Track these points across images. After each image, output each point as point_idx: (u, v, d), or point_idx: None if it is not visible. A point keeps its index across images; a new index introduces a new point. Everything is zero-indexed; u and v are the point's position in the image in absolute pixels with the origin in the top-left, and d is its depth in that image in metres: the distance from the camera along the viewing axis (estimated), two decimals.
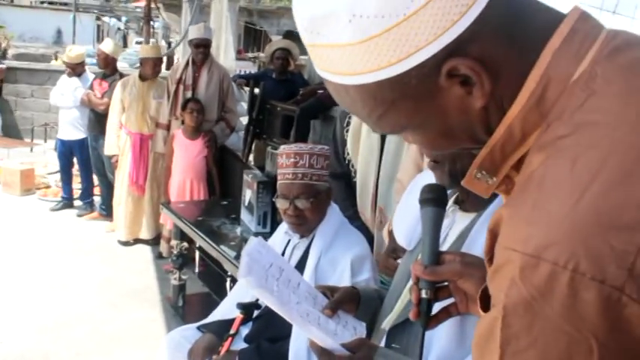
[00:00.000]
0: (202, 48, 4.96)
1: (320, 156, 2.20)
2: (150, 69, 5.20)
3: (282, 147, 2.30)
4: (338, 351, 1.19)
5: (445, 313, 1.09)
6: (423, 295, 1.05)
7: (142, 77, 5.25)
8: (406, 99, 0.66)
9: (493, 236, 0.64)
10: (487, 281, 0.63)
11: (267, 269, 1.41)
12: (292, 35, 20.32)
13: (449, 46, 0.61)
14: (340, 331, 1.33)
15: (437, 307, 1.09)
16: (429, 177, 1.49)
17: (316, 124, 5.45)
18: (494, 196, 1.22)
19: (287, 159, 2.23)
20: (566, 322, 0.53)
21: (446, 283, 1.08)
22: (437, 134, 0.71)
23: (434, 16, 0.60)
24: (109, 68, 5.78)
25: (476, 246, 1.21)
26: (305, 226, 2.24)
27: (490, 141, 0.68)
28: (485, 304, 0.68)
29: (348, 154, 2.86)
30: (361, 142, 2.80)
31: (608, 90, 0.60)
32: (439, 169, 1.28)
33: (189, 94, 4.94)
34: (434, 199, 1.13)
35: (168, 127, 5.08)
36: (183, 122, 4.80)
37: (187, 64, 5.06)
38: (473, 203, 1.28)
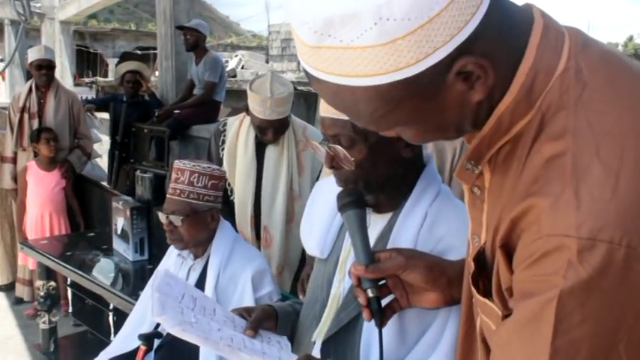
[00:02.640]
0: (45, 70, 4.63)
1: (203, 175, 2.14)
2: None
3: (175, 162, 2.23)
4: None
5: (390, 310, 1.11)
6: (370, 294, 1.06)
7: None
8: (413, 97, 0.68)
9: (513, 225, 0.68)
10: (516, 266, 0.67)
11: (180, 301, 1.37)
12: (131, 56, 19.69)
13: (461, 45, 0.64)
14: (267, 349, 1.31)
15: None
16: (328, 183, 1.50)
17: (174, 144, 5.33)
18: (407, 193, 1.29)
19: (174, 173, 2.19)
20: (620, 293, 0.60)
21: (384, 281, 1.10)
22: (431, 129, 0.74)
23: (452, 17, 0.62)
24: None
25: (400, 242, 1.23)
26: (181, 242, 2.18)
27: (481, 132, 0.73)
28: (484, 288, 0.73)
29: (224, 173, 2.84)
30: (237, 161, 2.79)
31: (596, 81, 0.67)
32: (353, 186, 1.28)
33: (35, 123, 4.58)
34: (353, 202, 1.15)
35: (14, 161, 4.67)
36: (36, 154, 4.45)
37: (30, 90, 4.70)
38: (386, 204, 1.31)
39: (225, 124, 2.89)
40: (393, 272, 1.08)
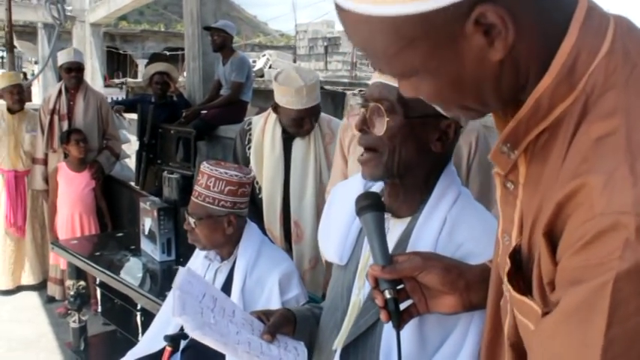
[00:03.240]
0: (75, 72, 4.68)
1: (220, 180, 2.12)
2: (9, 98, 4.82)
3: (202, 163, 2.23)
4: None
5: (407, 315, 1.08)
6: (387, 295, 1.04)
7: (10, 110, 4.87)
8: (427, 39, 0.65)
9: (558, 210, 0.64)
10: (562, 253, 0.63)
11: (200, 300, 1.36)
12: (159, 57, 19.92)
13: None
14: (284, 355, 1.30)
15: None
16: (345, 187, 1.48)
17: (201, 145, 5.35)
18: (426, 197, 1.26)
19: (198, 175, 2.20)
20: None
21: (402, 285, 1.08)
22: (447, 83, 0.70)
23: None
24: None
25: (419, 248, 1.21)
26: (200, 243, 2.19)
27: (518, 114, 0.69)
28: (522, 285, 0.70)
29: (252, 171, 2.83)
30: (265, 157, 2.78)
31: None
32: (374, 160, 1.24)
33: (65, 125, 4.65)
34: (371, 205, 1.13)
35: (45, 162, 4.74)
36: (66, 155, 4.51)
37: (60, 92, 4.76)
38: (404, 208, 1.28)
39: (250, 123, 2.89)
40: (410, 273, 1.05)
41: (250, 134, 2.84)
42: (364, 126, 1.22)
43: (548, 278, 0.66)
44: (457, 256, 1.16)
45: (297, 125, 2.67)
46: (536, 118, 0.69)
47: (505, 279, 0.77)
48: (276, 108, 2.71)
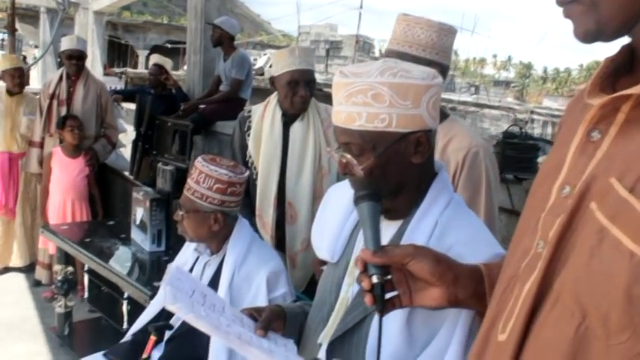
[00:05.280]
0: (75, 60, 4.70)
1: (209, 177, 2.14)
2: (9, 81, 4.83)
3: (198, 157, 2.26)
4: None
5: (391, 305, 1.09)
6: (374, 280, 1.04)
7: (10, 92, 4.88)
8: None
9: None
10: None
11: (190, 296, 1.39)
12: (160, 49, 19.90)
13: None
14: (274, 347, 1.33)
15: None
16: (340, 189, 1.52)
17: (197, 139, 5.38)
18: (419, 201, 1.29)
19: (193, 169, 2.22)
20: None
21: (389, 276, 1.08)
22: None
23: None
24: None
25: None
26: (187, 235, 2.23)
27: None
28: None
29: (250, 157, 2.85)
30: (263, 140, 2.80)
31: None
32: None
33: (63, 110, 4.66)
34: (368, 195, 1.15)
35: (41, 146, 4.75)
36: (61, 141, 4.52)
37: (61, 78, 4.78)
38: (397, 210, 1.32)
39: (250, 111, 2.92)
40: (400, 260, 1.05)
41: (250, 121, 2.86)
42: (347, 170, 1.27)
43: None
44: None
45: (292, 92, 2.69)
46: None
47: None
48: (273, 83, 2.76)
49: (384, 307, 1.06)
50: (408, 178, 1.28)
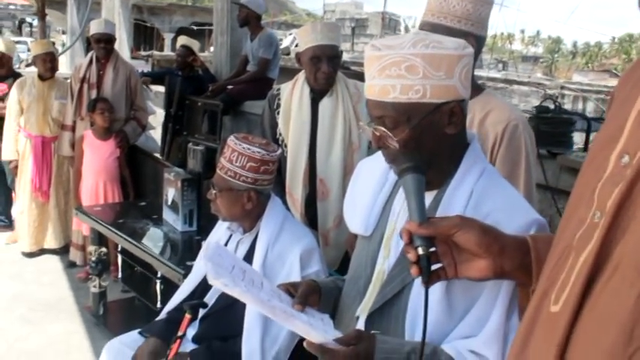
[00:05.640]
0: (104, 43, 4.72)
1: (242, 155, 2.13)
2: (41, 65, 4.88)
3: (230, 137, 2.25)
4: (331, 344, 1.18)
5: (435, 276, 1.08)
6: (421, 251, 1.04)
7: (41, 77, 4.94)
8: None
9: None
10: None
11: (230, 272, 1.40)
12: (187, 31, 19.95)
13: None
14: (313, 321, 1.33)
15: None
16: (371, 162, 1.50)
17: (226, 119, 5.38)
18: (453, 171, 1.27)
19: (225, 147, 2.21)
20: None
21: (434, 248, 1.07)
22: None
23: None
24: (4, 69, 5.38)
25: None
26: (220, 214, 2.23)
27: None
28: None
29: (280, 134, 2.84)
30: (292, 117, 2.79)
31: None
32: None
33: (94, 93, 4.70)
34: (412, 167, 1.14)
35: (73, 129, 4.80)
36: (92, 124, 4.57)
37: (91, 61, 4.81)
38: (432, 181, 1.30)
39: (279, 89, 2.91)
40: (447, 231, 1.05)
41: (279, 99, 2.86)
42: (380, 144, 1.27)
43: None
44: None
45: (316, 68, 2.68)
46: None
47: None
48: (299, 60, 2.76)
49: (430, 278, 1.05)
50: (442, 148, 1.27)
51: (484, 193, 1.26)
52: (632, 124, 0.74)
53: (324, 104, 2.75)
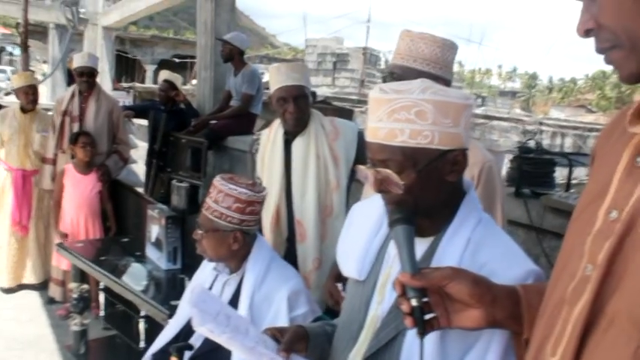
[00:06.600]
0: (86, 77, 4.74)
1: (229, 196, 2.12)
2: (23, 98, 4.87)
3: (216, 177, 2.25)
4: None
5: (429, 326, 1.09)
6: (414, 303, 1.05)
7: (23, 109, 4.91)
8: None
9: None
10: None
11: (215, 318, 1.39)
12: (169, 64, 20.02)
13: None
14: None
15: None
16: (366, 206, 1.51)
17: (209, 154, 5.38)
18: (450, 219, 1.29)
19: (210, 187, 2.21)
20: None
21: (426, 299, 1.08)
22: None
23: None
24: None
25: (443, 265, 1.21)
26: (206, 255, 2.20)
27: None
28: None
29: (258, 178, 2.84)
30: (266, 158, 2.81)
31: None
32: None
33: (76, 126, 4.69)
34: (403, 218, 1.16)
35: (54, 162, 4.78)
36: (73, 156, 4.54)
37: (73, 94, 4.82)
38: (429, 228, 1.31)
39: (259, 134, 2.94)
40: (439, 282, 1.06)
41: (258, 143, 2.87)
42: (382, 187, 1.26)
43: None
44: None
45: (283, 109, 2.68)
46: None
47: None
48: (272, 103, 2.77)
49: (425, 329, 1.06)
50: (442, 196, 1.28)
51: (481, 242, 1.27)
52: (618, 181, 0.78)
53: (297, 144, 2.74)
